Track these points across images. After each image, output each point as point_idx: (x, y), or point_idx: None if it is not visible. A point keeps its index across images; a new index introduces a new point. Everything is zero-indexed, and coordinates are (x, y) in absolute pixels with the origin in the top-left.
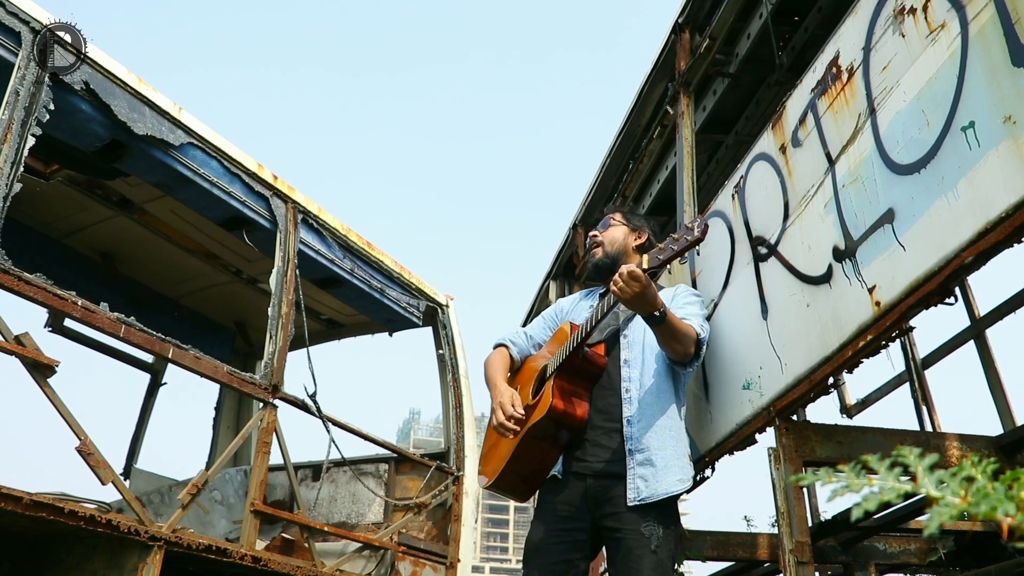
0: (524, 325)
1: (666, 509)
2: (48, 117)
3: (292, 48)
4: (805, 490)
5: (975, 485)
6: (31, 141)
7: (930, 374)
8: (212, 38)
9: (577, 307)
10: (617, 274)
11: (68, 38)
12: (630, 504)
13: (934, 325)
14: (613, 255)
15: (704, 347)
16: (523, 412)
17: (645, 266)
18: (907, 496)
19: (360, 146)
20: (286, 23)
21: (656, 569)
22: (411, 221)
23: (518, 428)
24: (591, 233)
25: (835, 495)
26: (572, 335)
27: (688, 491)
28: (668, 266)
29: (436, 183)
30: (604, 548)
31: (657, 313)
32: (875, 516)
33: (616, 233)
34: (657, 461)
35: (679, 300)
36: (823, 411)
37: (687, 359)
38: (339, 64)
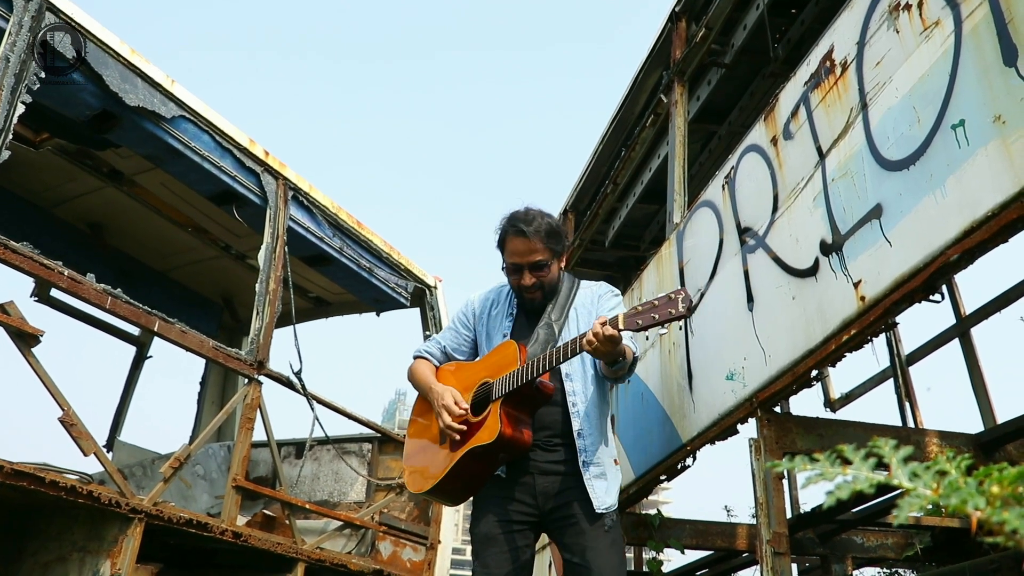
0: None
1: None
2: (39, 85)
3: (286, 33)
4: (785, 482)
5: (947, 478)
6: (21, 109)
7: (914, 371)
8: (210, 23)
9: (492, 311)
10: (592, 332)
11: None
12: (597, 511)
13: (920, 322)
14: (550, 294)
15: (637, 364)
16: (467, 408)
17: (621, 326)
18: (883, 489)
19: (356, 132)
20: (284, 8)
21: (612, 547)
22: (402, 206)
23: (465, 428)
24: (525, 282)
25: (809, 483)
26: (521, 364)
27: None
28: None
29: (427, 170)
30: (551, 533)
31: (621, 359)
32: (853, 510)
33: (553, 273)
34: (608, 474)
35: (603, 307)
36: (807, 405)
37: (623, 379)
38: (335, 50)
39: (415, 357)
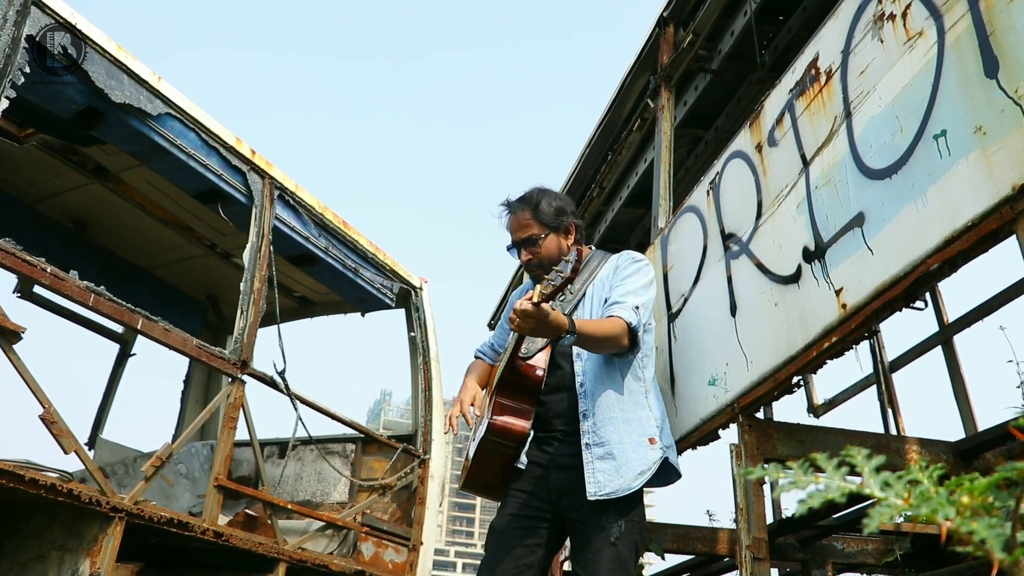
0: (499, 307)
1: (628, 500)
2: (23, 80)
3: (283, 32)
4: (767, 487)
5: (918, 488)
6: (4, 104)
7: (897, 378)
8: (198, 22)
9: None
10: (512, 311)
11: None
12: (590, 499)
13: (904, 330)
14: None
15: (640, 330)
16: (480, 413)
17: (536, 299)
18: (862, 496)
19: (351, 131)
20: (277, 7)
21: (615, 561)
22: (398, 203)
23: (466, 422)
24: (522, 259)
25: (781, 491)
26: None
27: (651, 484)
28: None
29: (422, 167)
30: (568, 538)
31: (565, 334)
32: (834, 516)
33: (550, 248)
34: (617, 455)
35: (618, 276)
36: (791, 410)
37: (624, 351)
38: (327, 50)
39: (474, 357)
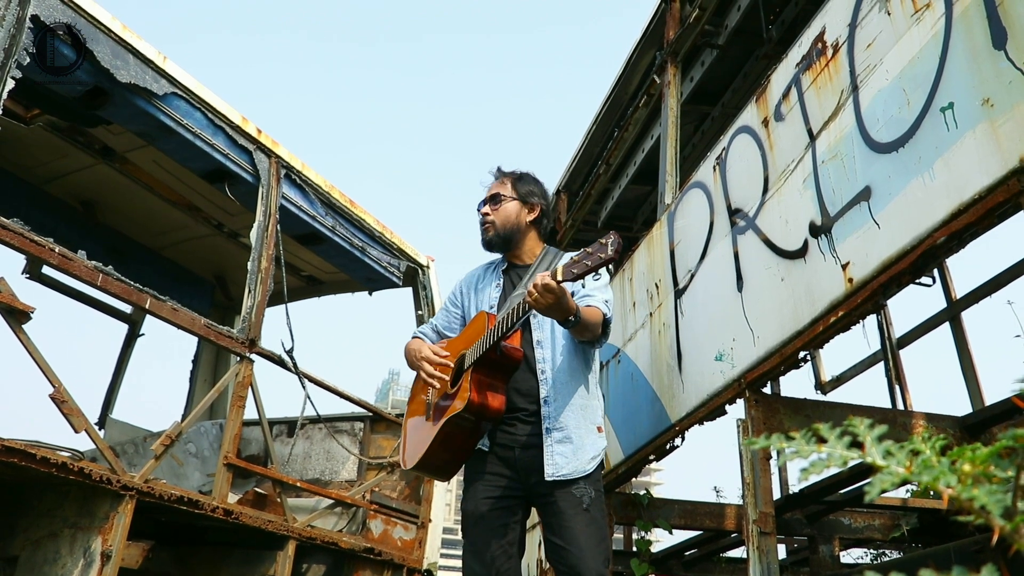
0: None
1: (592, 475)
2: (28, 60)
3: (278, 11)
4: (774, 463)
5: (920, 457)
6: (10, 84)
7: (905, 354)
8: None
9: (478, 286)
10: (532, 285)
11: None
12: (548, 479)
13: (912, 307)
14: (505, 234)
15: (610, 324)
16: (447, 355)
17: (559, 278)
18: (869, 471)
19: (360, 114)
20: None
21: (590, 525)
22: (394, 183)
23: (446, 376)
24: (482, 210)
25: (784, 459)
26: (488, 329)
27: (602, 465)
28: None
29: (430, 150)
30: (536, 511)
31: (572, 318)
32: (840, 492)
33: (508, 211)
34: (575, 439)
35: None
36: (799, 389)
37: (596, 340)
38: (329, 33)
39: (412, 337)
